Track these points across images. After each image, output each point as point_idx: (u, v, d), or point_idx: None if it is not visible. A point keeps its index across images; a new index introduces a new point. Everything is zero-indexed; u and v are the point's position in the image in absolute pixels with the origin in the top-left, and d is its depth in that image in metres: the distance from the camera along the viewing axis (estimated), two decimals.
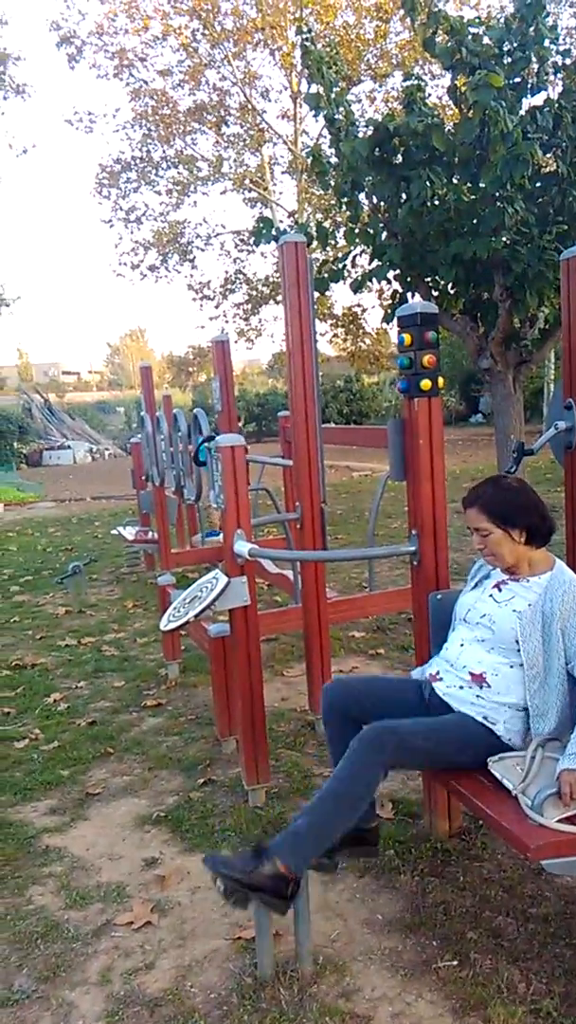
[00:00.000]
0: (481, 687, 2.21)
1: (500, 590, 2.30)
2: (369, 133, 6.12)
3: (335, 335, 19.43)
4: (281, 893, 1.95)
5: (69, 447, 28.90)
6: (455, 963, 2.09)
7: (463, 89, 5.84)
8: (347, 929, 2.28)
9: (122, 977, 2.16)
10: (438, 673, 2.33)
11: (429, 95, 6.61)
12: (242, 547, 2.89)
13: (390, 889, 2.44)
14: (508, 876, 2.45)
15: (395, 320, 2.57)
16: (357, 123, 6.38)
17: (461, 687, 2.24)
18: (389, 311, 7.26)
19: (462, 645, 2.31)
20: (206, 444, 4.36)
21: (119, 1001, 2.07)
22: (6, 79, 18.37)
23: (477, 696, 2.20)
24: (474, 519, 2.28)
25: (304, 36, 6.52)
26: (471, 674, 2.23)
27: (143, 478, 7.24)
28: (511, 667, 2.19)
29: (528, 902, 2.33)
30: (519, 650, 2.16)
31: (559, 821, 1.85)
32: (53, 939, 2.34)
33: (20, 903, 2.53)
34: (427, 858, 2.57)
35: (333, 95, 6.32)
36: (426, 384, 2.42)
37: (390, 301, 7.42)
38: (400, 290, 6.95)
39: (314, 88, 6.42)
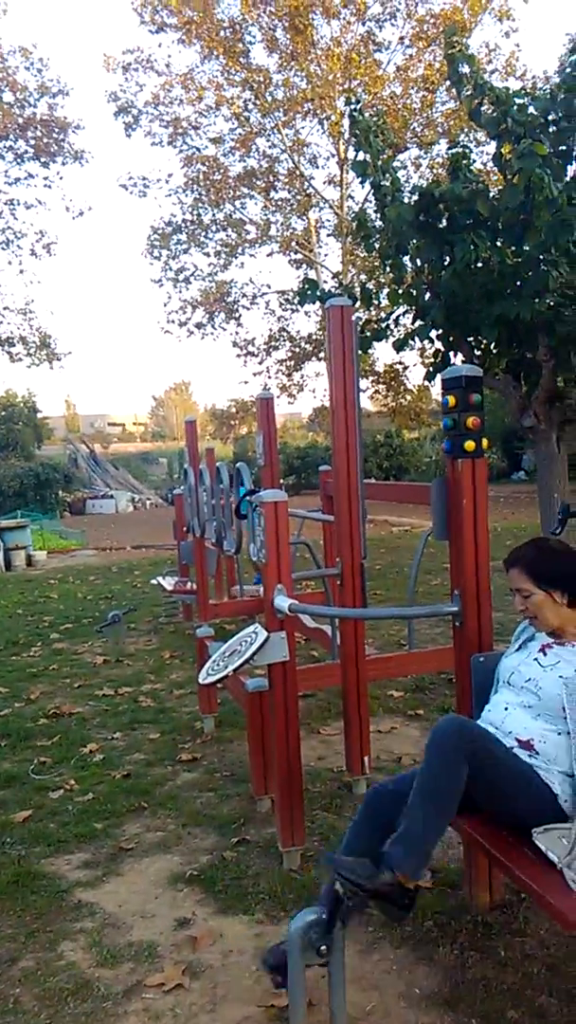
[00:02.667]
0: (530, 755, 2.16)
1: (545, 654, 2.27)
2: (414, 199, 6.27)
3: (376, 391, 19.62)
4: (399, 902, 1.99)
5: (112, 496, 29.39)
6: None
7: (508, 157, 5.98)
8: (383, 1002, 2.20)
9: None
10: None
11: (474, 162, 6.77)
12: (282, 602, 2.89)
13: (428, 962, 2.36)
14: (552, 953, 2.35)
15: (438, 379, 2.61)
16: (403, 189, 6.55)
17: (511, 747, 2.19)
18: (431, 369, 7.34)
19: (506, 709, 2.27)
20: (248, 498, 4.41)
21: None
22: (66, 146, 19.31)
23: (529, 756, 2.15)
24: (516, 580, 2.27)
25: (352, 107, 6.75)
26: (518, 740, 2.19)
27: (184, 529, 7.32)
28: (559, 734, 2.14)
29: (572, 981, 2.23)
30: (566, 717, 2.12)
31: None
32: (83, 997, 2.30)
33: (51, 959, 2.50)
34: (467, 931, 2.48)
35: (380, 162, 6.51)
36: (470, 445, 2.44)
37: (432, 360, 7.50)
38: (442, 349, 7.03)
39: (361, 156, 6.62)
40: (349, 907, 1.98)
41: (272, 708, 2.99)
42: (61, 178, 32.09)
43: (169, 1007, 2.25)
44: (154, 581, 8.67)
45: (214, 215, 19.03)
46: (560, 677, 2.17)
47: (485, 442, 2.50)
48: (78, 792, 3.78)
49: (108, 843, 3.27)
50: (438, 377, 2.60)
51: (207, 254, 19.53)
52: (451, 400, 2.46)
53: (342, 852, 2.22)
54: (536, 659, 2.28)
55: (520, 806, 2.10)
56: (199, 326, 20.07)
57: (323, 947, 1.99)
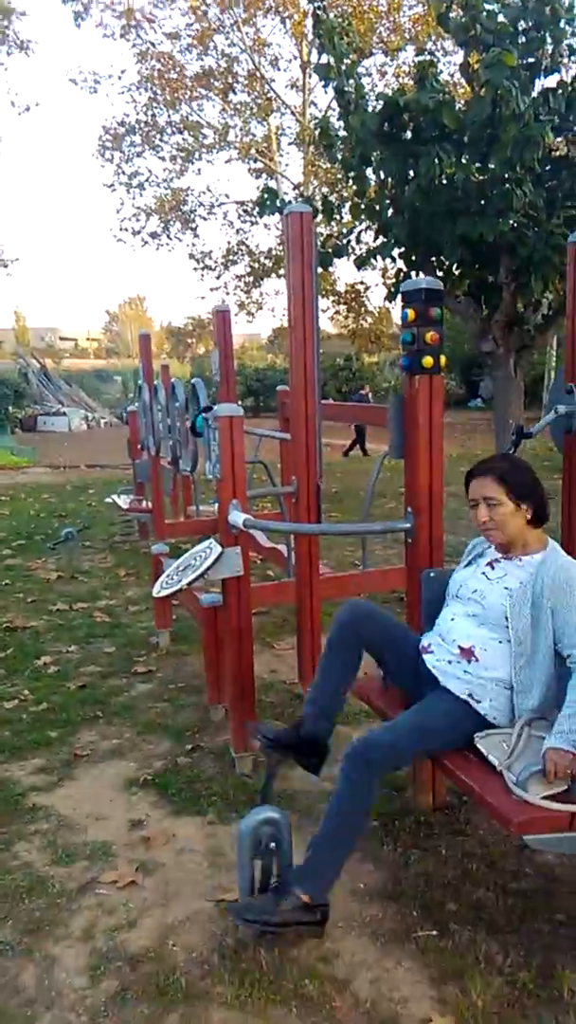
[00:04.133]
0: (469, 662, 2.23)
1: (493, 568, 2.32)
2: (379, 107, 6.05)
3: (337, 312, 19.32)
4: (313, 920, 2.04)
5: (64, 414, 28.72)
6: (434, 933, 2.14)
7: (476, 67, 5.78)
8: (329, 897, 2.32)
9: (105, 934, 2.20)
10: (429, 645, 2.35)
11: (441, 72, 6.53)
12: (237, 517, 2.89)
13: (373, 860, 2.48)
14: (490, 851, 2.49)
15: (398, 298, 2.56)
16: (367, 97, 6.31)
17: (450, 661, 2.26)
18: (392, 290, 7.23)
19: (452, 619, 2.34)
20: (203, 415, 4.34)
21: (102, 956, 2.11)
22: (9, 34, 18.04)
23: (464, 671, 2.22)
24: (486, 488, 2.25)
25: (317, 5, 6.41)
26: (460, 648, 2.25)
27: (139, 447, 7.21)
28: (499, 643, 2.21)
29: (509, 877, 2.37)
30: (508, 627, 2.19)
31: (543, 798, 1.87)
32: (38, 894, 2.37)
33: (6, 859, 2.56)
34: (410, 831, 2.61)
35: (344, 67, 6.23)
36: (428, 361, 2.42)
37: (393, 280, 7.39)
38: (404, 269, 6.91)
39: (325, 58, 6.33)
40: (268, 943, 2.06)
41: (226, 621, 3.03)
42: (5, 69, 30.12)
43: (122, 902, 2.33)
44: (109, 499, 8.60)
45: (169, 116, 18.12)
46: (505, 589, 2.23)
47: (443, 359, 2.49)
48: (32, 702, 3.81)
49: (63, 750, 3.32)
50: (399, 299, 2.54)
51: (162, 158, 18.71)
52: (410, 314, 2.42)
53: (313, 690, 2.36)
54: (484, 573, 2.33)
55: (452, 739, 2.18)
56: (154, 235, 19.36)
57: (272, 844, 2.07)
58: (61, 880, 2.44)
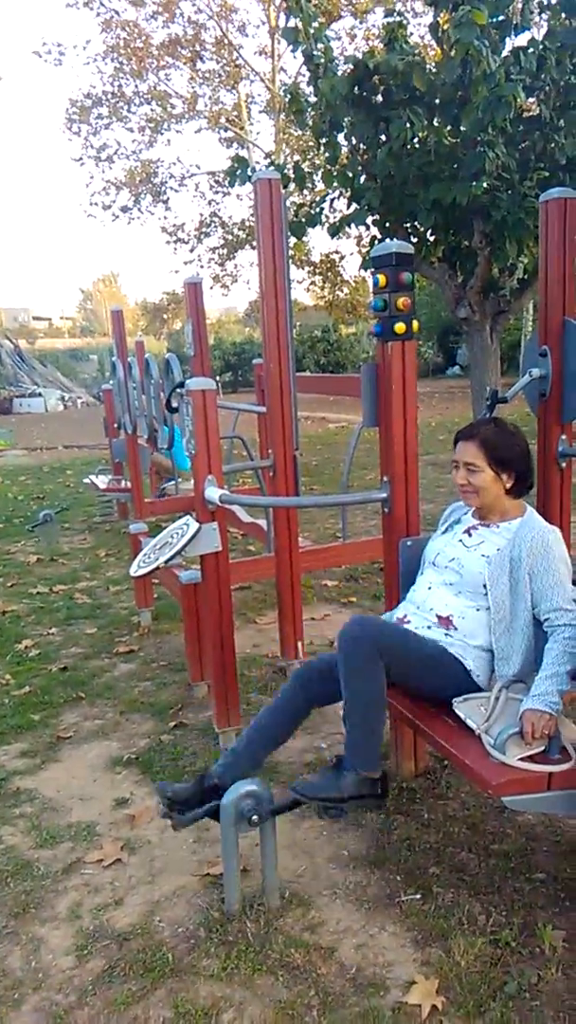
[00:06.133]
0: (448, 629, 2.23)
1: (470, 535, 2.31)
2: (348, 71, 5.94)
3: (312, 283, 19.15)
4: (374, 792, 2.10)
5: (40, 395, 28.39)
6: (418, 896, 2.15)
7: (445, 27, 5.67)
8: (313, 865, 2.33)
9: (91, 913, 2.20)
10: (406, 616, 2.34)
11: (411, 34, 6.41)
12: (212, 493, 2.86)
13: (356, 826, 2.50)
14: (471, 814, 2.51)
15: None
16: (336, 60, 6.18)
17: (429, 627, 2.26)
18: (367, 258, 7.14)
19: (429, 588, 2.33)
20: (178, 390, 4.28)
21: (88, 936, 2.11)
22: None
23: (445, 634, 2.22)
24: (468, 452, 2.24)
25: None
26: (438, 616, 2.25)
27: (115, 426, 7.14)
28: (478, 610, 2.21)
29: (490, 838, 2.39)
30: (486, 594, 2.18)
31: (520, 760, 1.88)
32: (23, 877, 2.36)
33: None
34: (393, 797, 2.61)
35: (312, 30, 6.10)
36: (400, 327, 2.39)
37: (368, 248, 7.30)
38: (378, 236, 6.83)
39: (292, 22, 6.18)
40: (330, 817, 2.11)
41: (206, 597, 3.01)
42: None
43: (108, 881, 2.33)
44: (87, 480, 8.52)
45: (136, 87, 17.75)
46: (483, 556, 2.22)
47: (416, 325, 2.46)
48: (14, 686, 3.79)
49: (46, 733, 3.30)
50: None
51: (130, 129, 18.34)
52: (381, 279, 2.38)
53: (247, 733, 2.32)
54: (461, 540, 2.32)
55: (436, 683, 2.19)
56: (124, 209, 19.04)
57: (255, 817, 2.07)
58: (46, 862, 2.44)
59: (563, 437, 2.80)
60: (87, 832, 2.58)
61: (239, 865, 2.15)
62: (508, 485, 2.25)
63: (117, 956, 2.02)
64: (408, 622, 2.32)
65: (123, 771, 2.96)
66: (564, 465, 2.82)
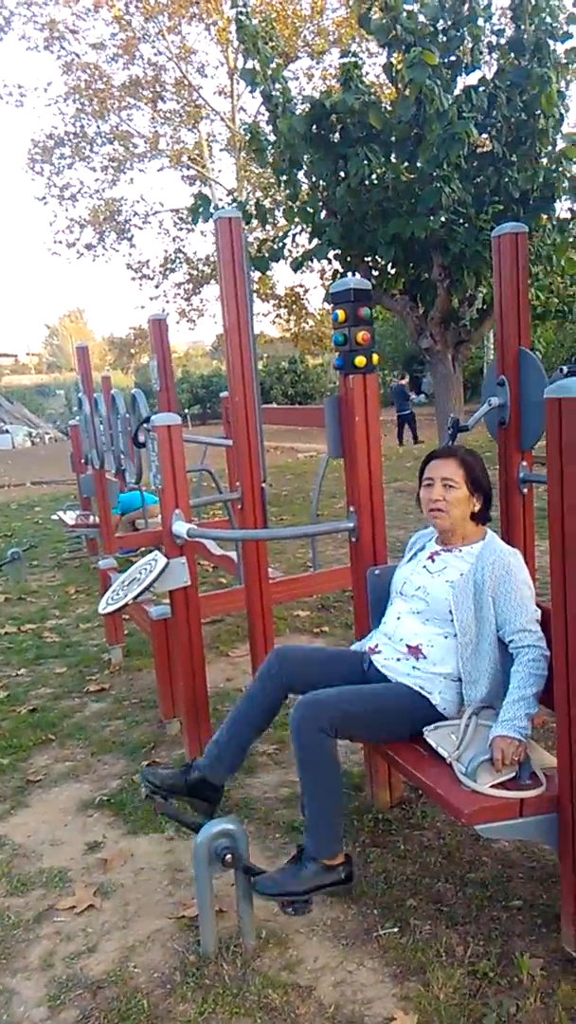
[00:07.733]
0: (417, 659, 2.24)
1: (433, 560, 2.34)
2: (306, 110, 6.08)
3: (278, 315, 19.35)
4: (338, 879, 2.10)
5: (7, 432, 28.24)
6: (396, 930, 2.13)
7: (399, 67, 5.84)
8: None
9: (64, 961, 2.15)
10: (377, 646, 2.35)
11: (367, 73, 6.60)
12: (180, 527, 2.86)
13: None
14: (447, 843, 2.51)
15: None
16: (294, 100, 6.33)
17: (398, 659, 2.27)
18: (329, 291, 7.26)
19: (399, 618, 2.34)
20: (144, 425, 4.28)
21: (61, 985, 2.05)
22: None
23: (413, 667, 2.23)
24: (449, 469, 2.28)
25: (239, 10, 6.40)
26: (408, 646, 2.26)
27: (82, 461, 7.10)
28: (446, 638, 2.22)
29: (466, 867, 2.38)
30: (452, 620, 2.20)
31: (492, 787, 1.89)
32: None
33: None
34: (369, 829, 2.60)
35: (270, 71, 6.24)
36: (360, 361, 2.43)
37: (330, 281, 7.42)
38: (340, 270, 6.95)
39: (250, 64, 6.33)
40: (293, 912, 2.09)
41: (176, 632, 3.00)
42: None
43: (81, 928, 2.28)
44: (55, 516, 8.46)
45: (99, 127, 17.94)
46: (447, 582, 2.25)
47: (376, 358, 2.50)
48: None
49: (15, 776, 3.24)
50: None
51: (93, 169, 18.49)
52: (341, 315, 2.43)
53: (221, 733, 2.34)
54: (425, 566, 2.34)
55: (403, 728, 2.19)
56: (89, 247, 19.15)
57: (228, 856, 2.05)
58: (17, 910, 2.38)
59: (523, 463, 2.86)
60: (59, 878, 2.52)
61: (214, 906, 2.11)
62: (476, 508, 2.30)
63: (91, 1005, 1.98)
64: (379, 651, 2.33)
65: (95, 814, 2.91)
66: (525, 491, 2.87)
